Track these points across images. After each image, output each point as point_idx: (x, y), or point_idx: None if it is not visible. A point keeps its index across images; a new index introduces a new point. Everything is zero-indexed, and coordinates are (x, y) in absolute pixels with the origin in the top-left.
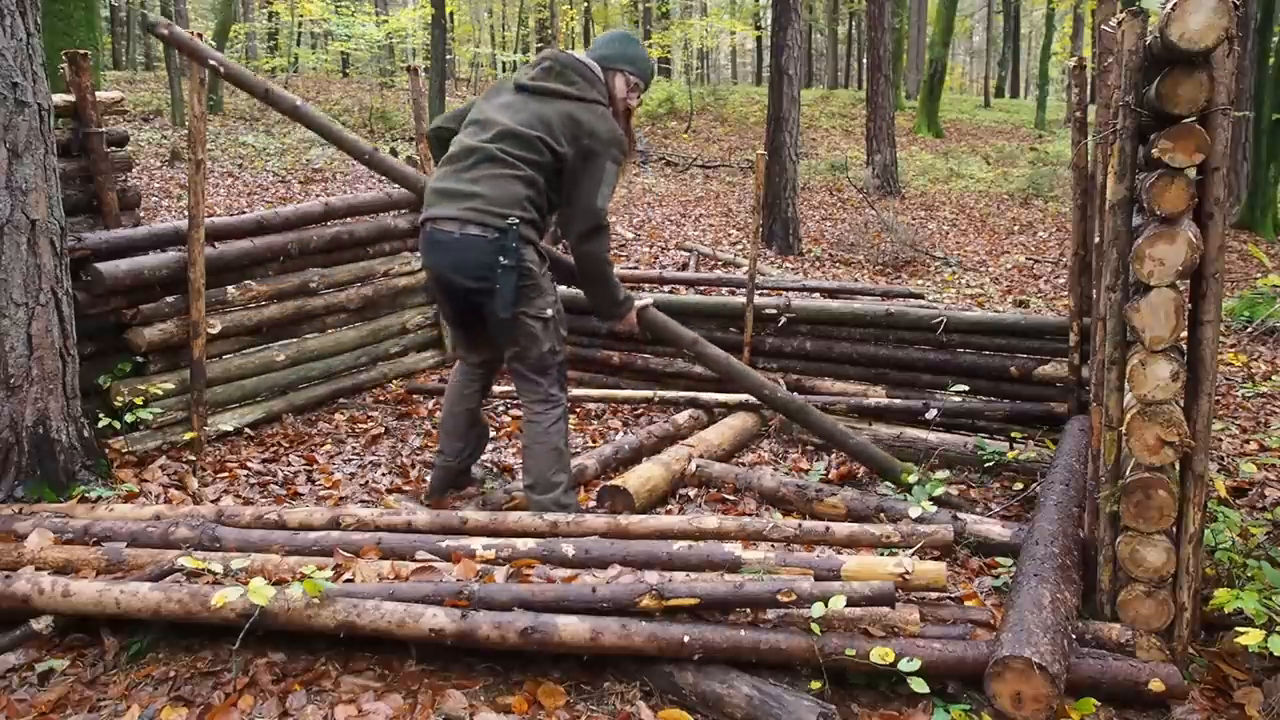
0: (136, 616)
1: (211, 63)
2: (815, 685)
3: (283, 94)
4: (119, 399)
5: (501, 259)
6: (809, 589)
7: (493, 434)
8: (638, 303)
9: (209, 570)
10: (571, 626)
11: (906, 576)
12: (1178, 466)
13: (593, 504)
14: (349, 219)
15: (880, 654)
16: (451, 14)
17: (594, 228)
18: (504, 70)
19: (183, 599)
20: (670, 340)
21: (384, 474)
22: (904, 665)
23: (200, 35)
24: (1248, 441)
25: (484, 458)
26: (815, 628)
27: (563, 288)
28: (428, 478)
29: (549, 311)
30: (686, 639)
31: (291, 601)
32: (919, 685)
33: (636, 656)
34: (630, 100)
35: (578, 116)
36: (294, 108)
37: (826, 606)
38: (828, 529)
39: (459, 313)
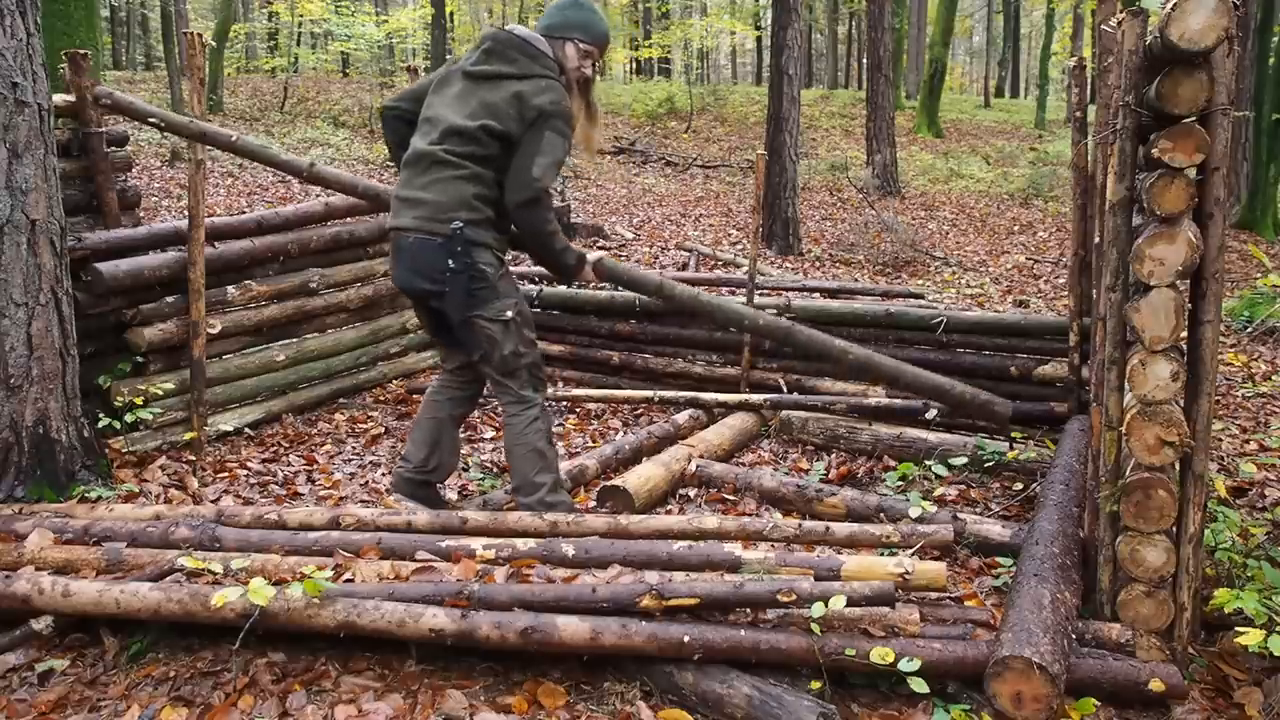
0: (136, 616)
1: (152, 120)
2: (815, 685)
3: (218, 131)
4: (119, 399)
5: (450, 262)
6: (809, 589)
7: (491, 434)
8: (590, 256)
9: (209, 570)
10: (572, 626)
11: (906, 576)
12: (1178, 466)
13: (593, 504)
14: (349, 219)
15: (880, 654)
16: (451, 14)
17: (529, 199)
18: None
19: (183, 599)
20: (634, 287)
21: (384, 474)
22: (904, 665)
23: (200, 35)
24: (1248, 441)
25: (483, 458)
26: (815, 628)
27: (563, 288)
28: None
29: (508, 314)
30: (686, 639)
31: (291, 601)
32: (919, 685)
33: (637, 656)
34: (585, 68)
35: (522, 93)
36: (229, 143)
37: (826, 606)
38: (828, 529)
39: (425, 317)
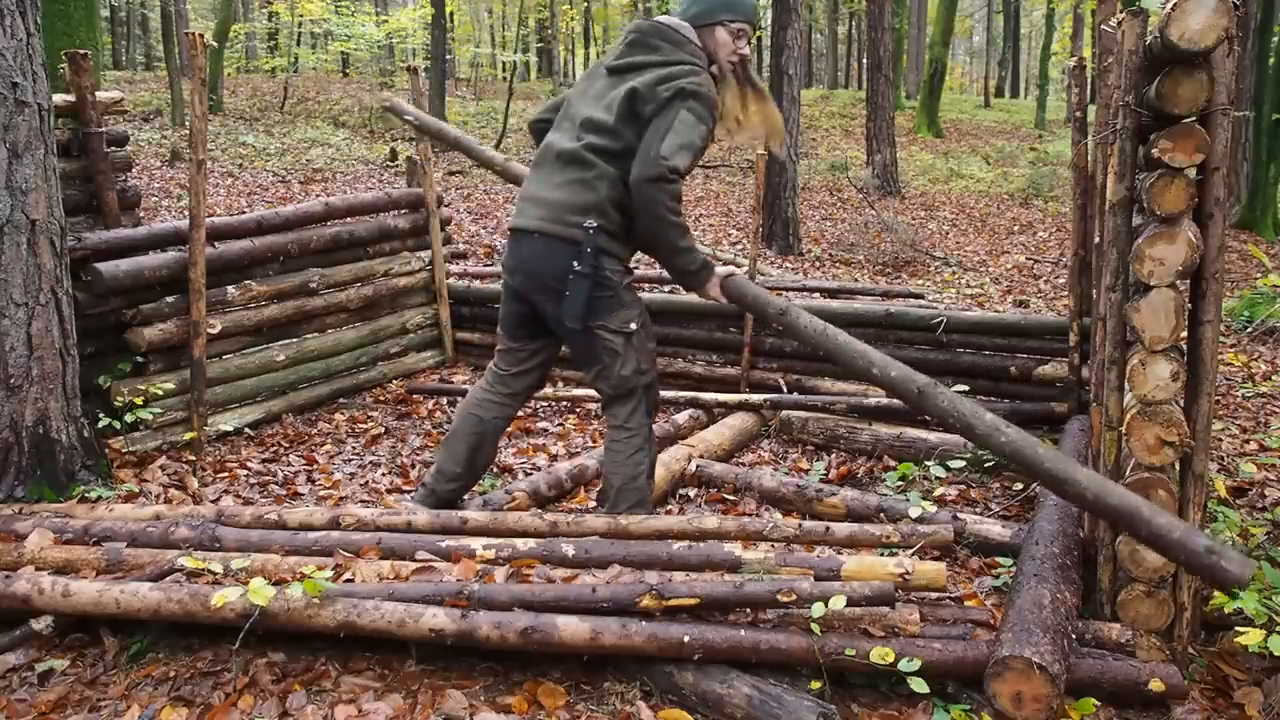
0: (136, 616)
1: (408, 118)
2: (815, 685)
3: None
4: (119, 399)
5: (576, 264)
6: (809, 589)
7: None
8: (720, 270)
9: (209, 570)
10: (572, 626)
11: (906, 577)
12: (1178, 466)
13: (592, 504)
14: (349, 219)
15: (880, 654)
16: (451, 14)
17: (653, 176)
18: (504, 70)
19: (183, 599)
20: (759, 313)
21: (384, 474)
22: (904, 665)
23: (201, 35)
24: (1248, 441)
25: None
26: (815, 628)
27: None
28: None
29: (633, 325)
30: (687, 639)
31: (291, 601)
32: (919, 685)
33: (637, 656)
34: (740, 48)
35: (662, 74)
36: (454, 138)
37: (826, 607)
38: (828, 529)
39: (515, 317)
